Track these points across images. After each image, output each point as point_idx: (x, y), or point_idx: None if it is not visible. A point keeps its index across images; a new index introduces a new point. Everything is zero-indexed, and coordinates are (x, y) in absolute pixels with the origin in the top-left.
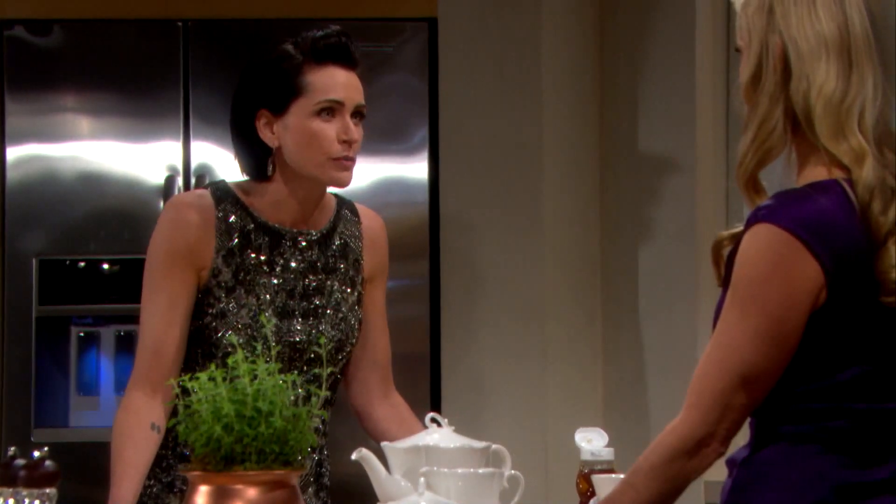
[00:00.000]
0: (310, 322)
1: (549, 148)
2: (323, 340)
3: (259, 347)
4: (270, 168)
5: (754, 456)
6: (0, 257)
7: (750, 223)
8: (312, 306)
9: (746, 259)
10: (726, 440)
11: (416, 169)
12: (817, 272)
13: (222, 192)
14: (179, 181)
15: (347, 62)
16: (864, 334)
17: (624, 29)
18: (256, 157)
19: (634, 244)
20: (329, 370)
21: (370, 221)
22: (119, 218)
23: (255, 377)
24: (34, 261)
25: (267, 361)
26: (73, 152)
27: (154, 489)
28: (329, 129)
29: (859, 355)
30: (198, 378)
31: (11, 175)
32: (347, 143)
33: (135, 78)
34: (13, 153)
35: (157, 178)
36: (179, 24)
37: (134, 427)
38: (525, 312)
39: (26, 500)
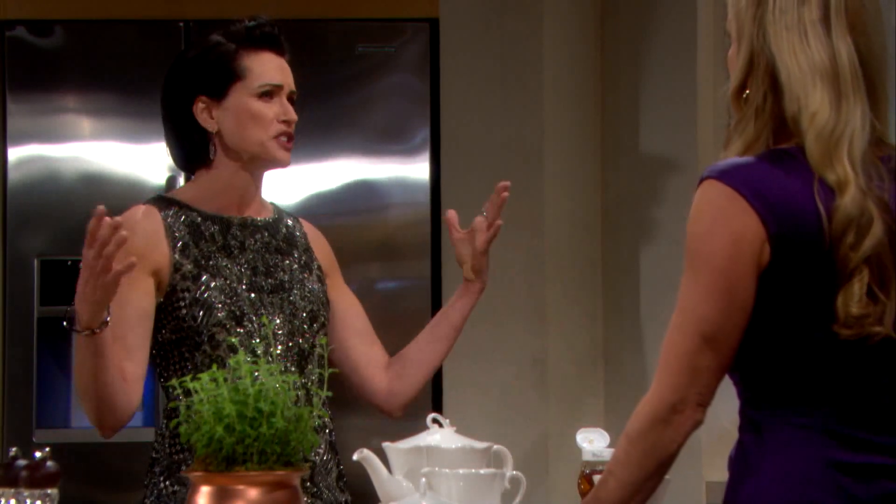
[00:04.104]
0: (280, 296)
1: (550, 148)
2: (324, 341)
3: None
4: (212, 151)
5: (745, 448)
6: (1, 257)
7: (699, 182)
8: (278, 282)
9: (692, 216)
10: (700, 406)
11: (417, 169)
12: (757, 225)
13: (161, 199)
14: (181, 181)
15: (280, 50)
16: (816, 303)
17: (625, 29)
18: (194, 144)
19: (635, 244)
20: (331, 371)
21: (310, 226)
22: None
23: (257, 377)
24: (35, 261)
25: (269, 362)
26: (75, 153)
27: (181, 494)
28: (269, 110)
29: (819, 323)
30: (199, 379)
31: (13, 175)
32: (286, 122)
33: (136, 78)
34: (15, 153)
35: (158, 178)
36: (181, 24)
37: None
38: (526, 312)
39: (28, 501)
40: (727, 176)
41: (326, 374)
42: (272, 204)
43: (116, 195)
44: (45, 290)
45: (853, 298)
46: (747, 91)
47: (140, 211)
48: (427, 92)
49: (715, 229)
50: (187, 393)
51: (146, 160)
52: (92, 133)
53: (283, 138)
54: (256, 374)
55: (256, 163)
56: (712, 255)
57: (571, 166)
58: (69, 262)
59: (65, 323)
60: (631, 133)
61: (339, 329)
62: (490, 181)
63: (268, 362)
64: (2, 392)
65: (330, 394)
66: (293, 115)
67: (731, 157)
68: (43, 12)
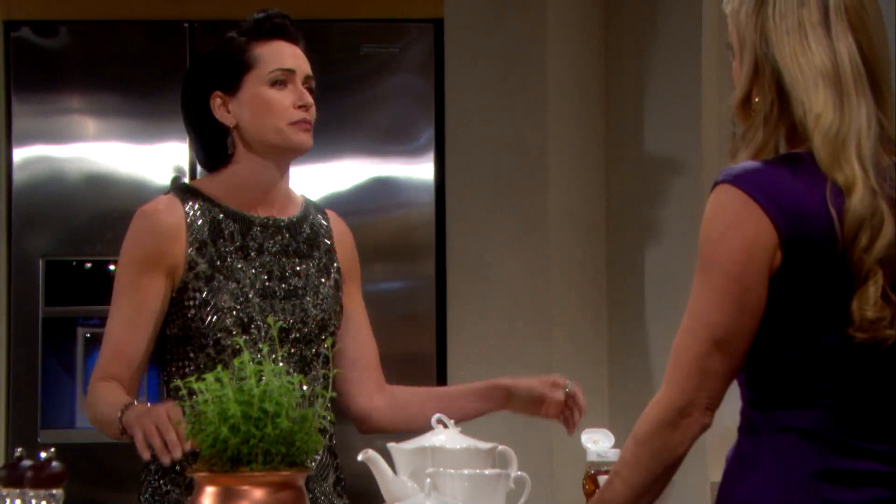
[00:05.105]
0: (292, 302)
1: (554, 149)
2: (330, 342)
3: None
4: (230, 146)
5: (741, 449)
6: (7, 258)
7: (713, 186)
8: (292, 287)
9: (706, 220)
10: (708, 410)
11: (422, 169)
12: (770, 231)
13: (186, 190)
14: (185, 182)
15: (291, 38)
16: (827, 304)
17: (629, 30)
18: (214, 141)
19: (640, 245)
20: (335, 371)
21: (338, 222)
22: (125, 219)
23: (262, 378)
24: (40, 262)
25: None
26: (80, 153)
27: (174, 494)
28: (284, 98)
29: (826, 327)
30: (204, 379)
31: (18, 176)
32: (304, 107)
33: (141, 79)
34: (20, 154)
35: (163, 178)
36: (185, 24)
37: (109, 388)
38: (531, 313)
39: (33, 501)
40: (741, 181)
41: (331, 375)
42: (302, 196)
43: (121, 196)
44: (50, 291)
45: (868, 301)
46: (755, 100)
47: (163, 203)
48: (431, 92)
49: (728, 234)
50: (192, 393)
51: (151, 161)
52: (97, 134)
53: (301, 122)
54: (261, 374)
55: (276, 153)
56: (725, 260)
57: (575, 167)
58: (73, 263)
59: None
60: (635, 134)
61: (343, 338)
62: (495, 181)
63: (272, 363)
64: (7, 393)
65: (334, 394)
66: (309, 99)
67: (744, 161)
68: (48, 13)
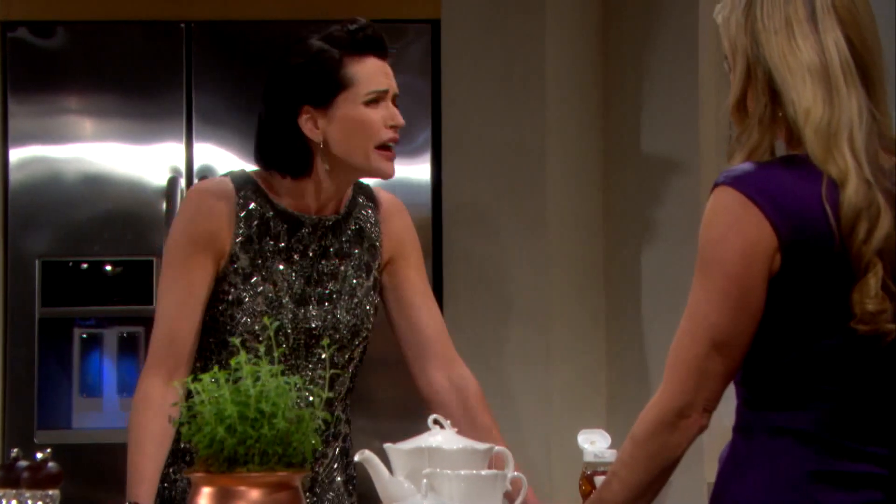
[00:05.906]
0: (325, 307)
1: (552, 149)
2: (326, 342)
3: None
4: (318, 162)
5: (735, 450)
6: (3, 259)
7: (713, 188)
8: (327, 292)
9: (706, 222)
10: (706, 411)
11: (419, 170)
12: (770, 233)
13: (242, 180)
14: (182, 183)
15: (383, 52)
16: (827, 303)
17: (627, 30)
18: (298, 154)
19: (638, 245)
20: (343, 374)
21: (388, 205)
22: (122, 219)
23: (259, 378)
24: (37, 262)
25: (271, 363)
26: (77, 154)
27: (181, 483)
28: (376, 116)
29: (826, 328)
30: (201, 380)
31: (14, 176)
32: (394, 127)
33: (138, 79)
34: (16, 155)
35: (159, 179)
36: (182, 25)
37: (152, 420)
38: (528, 314)
39: (29, 502)
40: (740, 183)
41: (328, 375)
42: (355, 182)
43: (118, 196)
44: (47, 292)
45: (869, 293)
46: (750, 103)
47: (218, 186)
48: (428, 93)
49: (729, 236)
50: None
51: (148, 161)
52: (93, 134)
53: (390, 145)
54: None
55: (359, 174)
56: (725, 261)
57: (574, 167)
58: (70, 264)
59: None
60: (633, 134)
61: (399, 322)
62: (492, 182)
63: (270, 363)
64: (3, 393)
65: (332, 394)
66: (401, 120)
67: (744, 163)
68: (45, 13)
